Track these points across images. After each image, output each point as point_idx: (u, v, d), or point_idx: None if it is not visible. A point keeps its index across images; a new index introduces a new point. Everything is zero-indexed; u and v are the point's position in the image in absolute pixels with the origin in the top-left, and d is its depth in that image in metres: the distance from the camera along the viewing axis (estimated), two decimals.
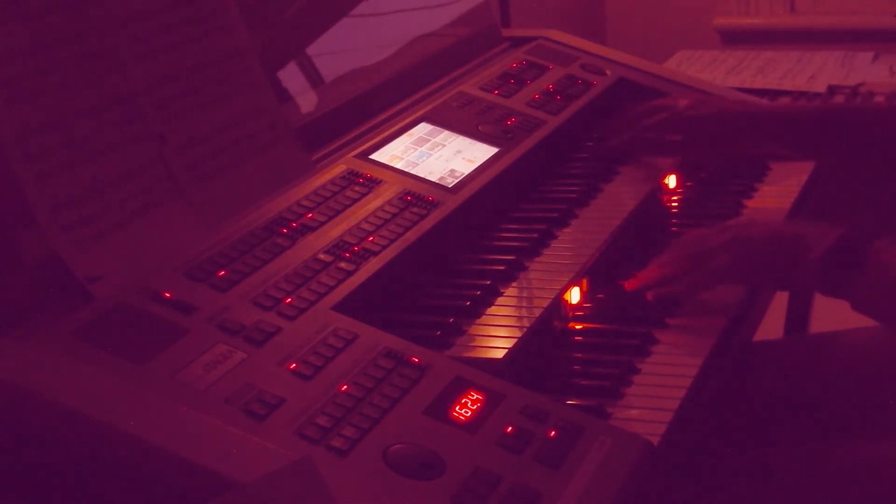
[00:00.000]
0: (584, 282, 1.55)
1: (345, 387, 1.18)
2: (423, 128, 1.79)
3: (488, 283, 1.47)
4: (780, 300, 2.11)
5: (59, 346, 1.17)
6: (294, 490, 1.02)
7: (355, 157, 1.66)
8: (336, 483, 1.05)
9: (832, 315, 1.67)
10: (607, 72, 2.15)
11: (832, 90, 3.15)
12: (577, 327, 1.50)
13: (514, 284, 1.49)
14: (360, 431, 1.12)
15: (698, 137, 1.84)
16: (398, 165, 1.66)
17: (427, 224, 1.53)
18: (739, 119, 1.82)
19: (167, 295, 1.27)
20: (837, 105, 1.82)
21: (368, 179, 1.60)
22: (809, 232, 1.48)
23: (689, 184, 1.91)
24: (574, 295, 1.52)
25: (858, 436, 1.56)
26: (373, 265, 1.42)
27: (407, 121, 1.80)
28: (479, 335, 1.37)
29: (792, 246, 1.48)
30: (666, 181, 1.88)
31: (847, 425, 1.59)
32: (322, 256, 1.41)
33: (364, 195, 1.56)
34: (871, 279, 1.41)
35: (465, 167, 1.70)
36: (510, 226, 1.67)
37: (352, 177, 1.59)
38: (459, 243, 1.60)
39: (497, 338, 1.36)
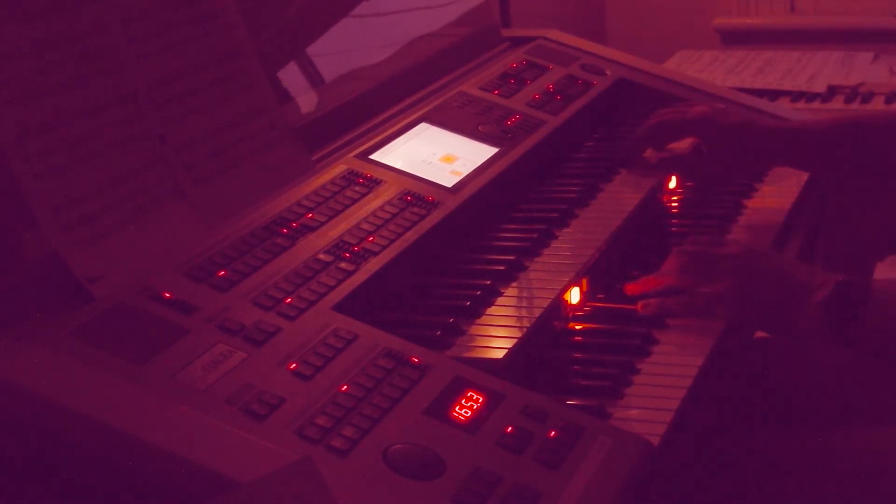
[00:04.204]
0: (584, 282, 1.55)
1: (345, 387, 1.18)
2: (423, 128, 1.79)
3: (488, 283, 1.47)
4: None
5: (59, 346, 1.17)
6: (294, 490, 1.02)
7: (355, 157, 1.66)
8: (336, 483, 1.04)
9: None
10: (607, 72, 2.15)
11: (832, 90, 3.15)
12: (577, 327, 1.50)
13: (514, 284, 1.49)
14: (360, 431, 1.12)
15: (722, 148, 1.83)
16: (398, 165, 1.66)
17: (427, 224, 1.53)
18: (766, 133, 1.82)
19: (167, 295, 1.27)
20: (854, 117, 1.81)
21: (368, 179, 1.60)
22: (810, 277, 1.48)
23: (689, 184, 1.91)
24: (574, 295, 1.52)
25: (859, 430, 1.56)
26: (373, 265, 1.42)
27: (407, 121, 1.80)
28: (479, 335, 1.37)
29: (793, 290, 1.47)
30: (666, 181, 1.88)
31: (847, 420, 1.60)
32: (322, 256, 1.41)
33: (364, 195, 1.56)
34: (872, 322, 1.42)
35: (465, 167, 1.70)
36: (510, 226, 1.67)
37: (352, 177, 1.59)
38: (459, 243, 1.60)
39: (497, 338, 1.36)
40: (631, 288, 1.55)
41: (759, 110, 2.10)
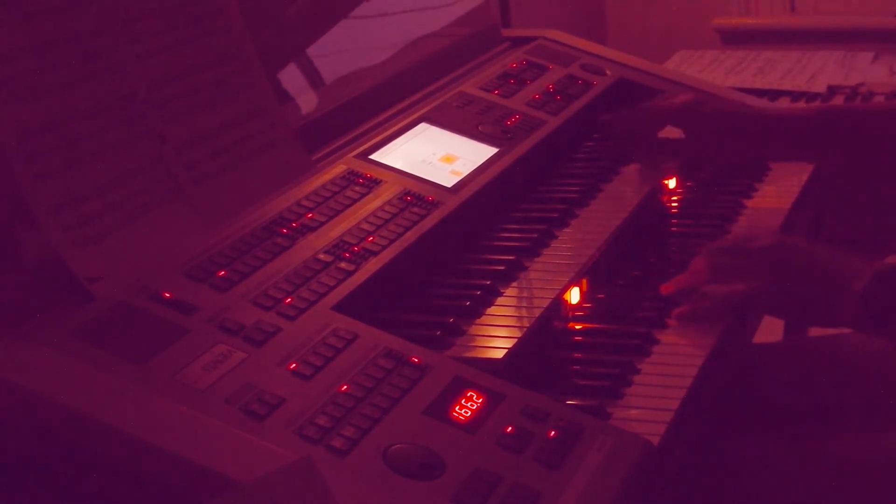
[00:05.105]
0: (584, 282, 1.55)
1: (345, 387, 1.18)
2: (423, 128, 1.79)
3: (488, 283, 1.47)
4: None
5: (59, 346, 1.17)
6: (294, 490, 1.02)
7: (355, 157, 1.66)
8: (336, 483, 1.04)
9: None
10: (607, 72, 2.15)
11: (832, 90, 3.15)
12: (577, 327, 1.50)
13: (514, 284, 1.49)
14: (360, 431, 1.12)
15: (704, 135, 1.82)
16: (398, 165, 1.66)
17: (427, 224, 1.53)
18: (750, 119, 1.81)
19: (167, 295, 1.27)
20: (838, 105, 1.82)
21: (368, 179, 1.60)
22: (846, 266, 1.44)
23: (689, 184, 1.91)
24: (574, 295, 1.52)
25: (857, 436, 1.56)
26: (373, 265, 1.42)
27: (407, 121, 1.80)
28: (479, 335, 1.37)
29: (829, 280, 1.44)
30: (666, 181, 1.88)
31: (846, 427, 1.59)
32: (322, 256, 1.41)
33: (364, 195, 1.56)
34: None
35: (465, 167, 1.70)
36: (510, 226, 1.67)
37: (352, 177, 1.59)
38: (459, 243, 1.60)
39: (497, 338, 1.36)
40: (665, 287, 1.53)
41: None
